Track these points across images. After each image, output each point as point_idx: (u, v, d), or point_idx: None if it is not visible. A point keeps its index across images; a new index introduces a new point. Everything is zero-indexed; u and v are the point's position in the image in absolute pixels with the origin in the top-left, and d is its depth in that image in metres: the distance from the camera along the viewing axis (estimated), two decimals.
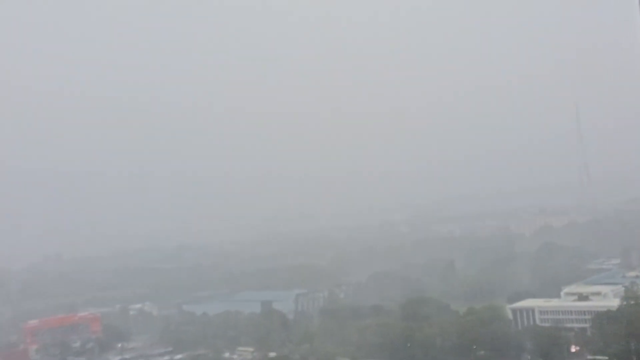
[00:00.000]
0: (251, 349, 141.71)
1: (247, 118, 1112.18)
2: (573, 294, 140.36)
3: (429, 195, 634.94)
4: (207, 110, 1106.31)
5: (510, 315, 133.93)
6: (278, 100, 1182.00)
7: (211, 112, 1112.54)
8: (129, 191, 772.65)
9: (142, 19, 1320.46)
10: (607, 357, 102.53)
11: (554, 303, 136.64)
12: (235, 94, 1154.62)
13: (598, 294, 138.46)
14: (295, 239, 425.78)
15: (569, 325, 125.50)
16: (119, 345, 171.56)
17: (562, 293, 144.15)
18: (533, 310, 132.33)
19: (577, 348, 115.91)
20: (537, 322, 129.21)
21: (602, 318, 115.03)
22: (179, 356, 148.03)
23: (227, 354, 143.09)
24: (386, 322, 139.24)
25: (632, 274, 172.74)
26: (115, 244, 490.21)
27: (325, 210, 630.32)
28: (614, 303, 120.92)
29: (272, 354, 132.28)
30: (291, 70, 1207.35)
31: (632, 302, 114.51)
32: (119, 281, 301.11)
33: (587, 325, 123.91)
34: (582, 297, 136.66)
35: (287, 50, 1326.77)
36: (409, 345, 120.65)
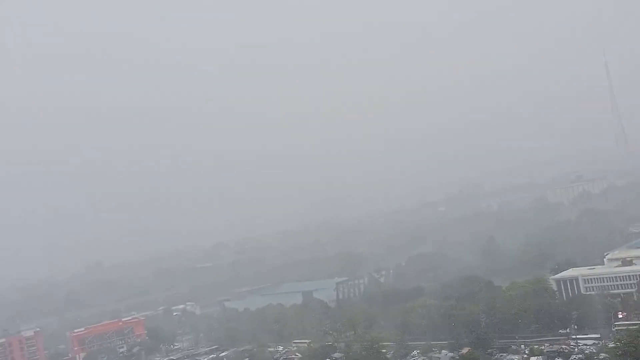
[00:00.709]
0: (307, 341, 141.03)
1: (275, 107, 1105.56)
2: (616, 260, 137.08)
3: (465, 173, 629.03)
4: (232, 102, 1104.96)
5: (554, 287, 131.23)
6: (307, 86, 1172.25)
7: (237, 103, 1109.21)
8: (163, 192, 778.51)
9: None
10: None
11: (597, 270, 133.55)
12: (262, 83, 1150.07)
13: None
14: (333, 228, 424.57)
15: (614, 291, 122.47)
16: (164, 347, 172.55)
17: (605, 259, 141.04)
18: (577, 280, 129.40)
19: (624, 314, 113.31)
20: (582, 291, 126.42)
21: None
22: (224, 353, 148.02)
23: (280, 348, 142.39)
24: (429, 304, 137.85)
25: None
26: (154, 247, 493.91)
27: (362, 196, 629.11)
28: None
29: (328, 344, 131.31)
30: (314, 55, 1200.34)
31: None
32: (160, 284, 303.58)
33: (633, 290, 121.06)
34: (626, 262, 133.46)
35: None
36: (453, 324, 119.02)
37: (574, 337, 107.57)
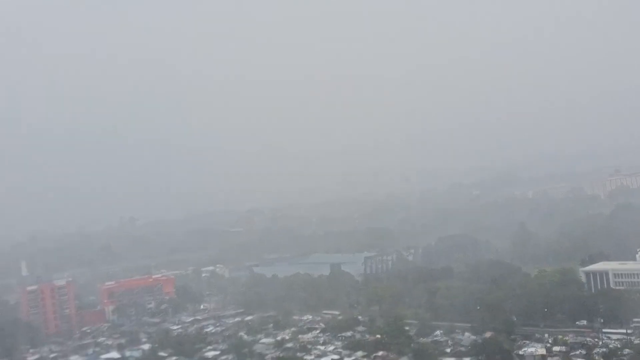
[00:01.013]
0: (336, 312, 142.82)
1: (313, 86, 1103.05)
2: None
3: (501, 158, 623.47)
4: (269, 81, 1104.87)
5: (583, 279, 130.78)
6: (339, 67, 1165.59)
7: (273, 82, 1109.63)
8: (200, 155, 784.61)
9: None
10: None
11: (629, 266, 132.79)
12: (293, 65, 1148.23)
13: None
14: (365, 202, 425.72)
15: None
16: (192, 306, 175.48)
17: (637, 255, 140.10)
18: (607, 273, 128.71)
19: None
20: (612, 285, 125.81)
21: None
22: (249, 317, 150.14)
23: (305, 317, 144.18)
24: (455, 285, 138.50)
25: None
26: (188, 207, 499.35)
27: (395, 173, 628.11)
28: None
29: (360, 317, 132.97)
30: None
31: None
32: (191, 244, 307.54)
33: None
34: None
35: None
36: (478, 307, 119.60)
37: (599, 330, 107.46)
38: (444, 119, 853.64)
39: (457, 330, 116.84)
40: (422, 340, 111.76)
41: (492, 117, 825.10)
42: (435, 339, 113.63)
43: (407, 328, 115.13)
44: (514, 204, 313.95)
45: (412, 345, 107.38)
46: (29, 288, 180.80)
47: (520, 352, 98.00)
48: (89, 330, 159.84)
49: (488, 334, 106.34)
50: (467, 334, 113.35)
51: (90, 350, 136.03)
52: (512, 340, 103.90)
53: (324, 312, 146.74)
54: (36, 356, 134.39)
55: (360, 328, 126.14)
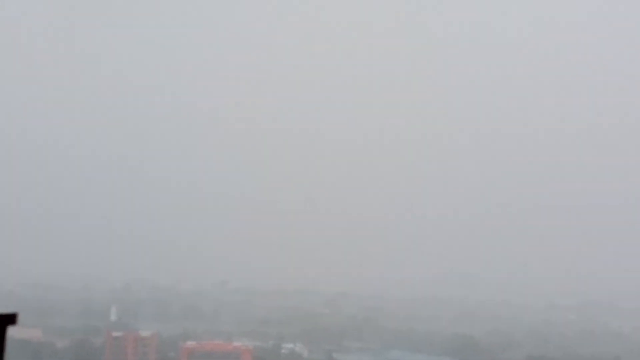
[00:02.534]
0: None
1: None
2: None
3: (605, 284, 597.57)
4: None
5: None
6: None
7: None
8: (297, 229, 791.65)
9: None
10: None
11: None
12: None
13: None
14: (454, 306, 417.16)
15: None
16: None
17: None
18: None
19: None
20: None
21: None
22: None
23: None
24: None
25: None
26: (279, 280, 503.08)
27: (490, 281, 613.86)
28: None
29: None
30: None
31: None
32: (276, 318, 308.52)
33: None
34: None
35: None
36: None
37: None
38: (546, 228, 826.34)
39: None
40: None
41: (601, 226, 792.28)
42: None
43: None
44: (612, 336, 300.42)
45: None
46: (115, 334, 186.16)
47: None
48: None
49: None
50: None
51: None
52: None
53: None
54: None
55: None
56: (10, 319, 4.25)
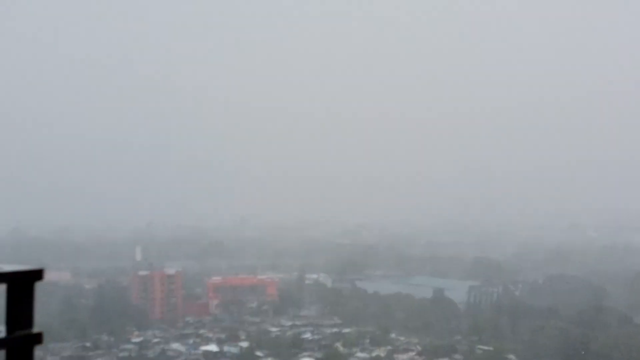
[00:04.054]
0: (435, 336, 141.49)
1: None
2: None
3: (627, 202, 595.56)
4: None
5: None
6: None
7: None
8: (314, 162, 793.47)
9: None
10: None
11: None
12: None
13: None
14: (476, 230, 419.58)
15: None
16: (292, 311, 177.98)
17: None
18: None
19: None
20: None
21: None
22: (347, 330, 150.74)
23: (406, 337, 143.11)
24: (561, 326, 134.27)
25: None
26: (301, 214, 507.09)
27: (511, 205, 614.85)
28: None
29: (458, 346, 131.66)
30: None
31: None
32: (298, 250, 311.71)
33: None
34: None
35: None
36: (583, 352, 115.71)
37: None
38: (564, 153, 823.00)
39: None
40: None
41: (620, 152, 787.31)
42: None
43: None
44: (635, 252, 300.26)
45: None
46: (141, 273, 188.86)
47: None
48: (191, 321, 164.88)
49: None
50: None
51: (190, 340, 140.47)
52: None
53: (422, 335, 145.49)
54: (140, 339, 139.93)
55: (457, 356, 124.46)
56: (37, 274, 4.24)
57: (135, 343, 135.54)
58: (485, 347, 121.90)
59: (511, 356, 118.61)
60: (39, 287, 4.10)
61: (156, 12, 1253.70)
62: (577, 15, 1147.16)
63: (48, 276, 4.38)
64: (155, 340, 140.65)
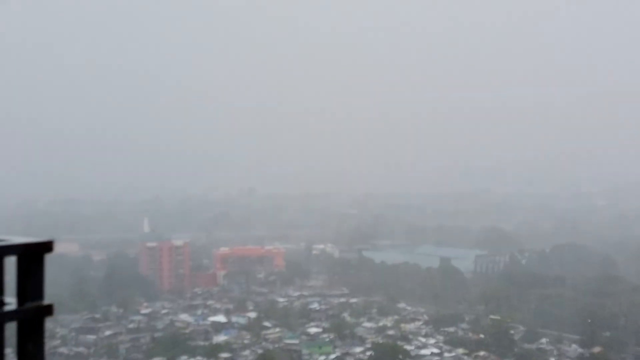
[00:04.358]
0: (442, 306, 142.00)
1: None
2: None
3: (635, 170, 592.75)
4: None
5: None
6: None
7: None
8: (320, 133, 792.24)
9: None
10: None
11: None
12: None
13: None
14: (483, 199, 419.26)
15: None
16: (299, 281, 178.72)
17: None
18: None
19: None
20: None
21: None
22: (354, 300, 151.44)
23: (413, 307, 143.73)
24: (568, 295, 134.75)
25: None
26: (306, 184, 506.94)
27: (516, 172, 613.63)
28: None
29: (465, 315, 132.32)
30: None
31: None
32: (305, 221, 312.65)
33: None
34: None
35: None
36: (589, 321, 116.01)
37: None
38: (569, 117, 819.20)
39: (564, 341, 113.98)
40: (526, 346, 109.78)
41: (625, 115, 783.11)
42: (540, 346, 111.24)
43: (512, 332, 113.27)
44: None
45: (515, 349, 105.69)
46: (149, 244, 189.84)
47: None
48: (200, 292, 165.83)
49: (597, 349, 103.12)
50: (574, 346, 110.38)
51: (199, 311, 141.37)
52: (621, 359, 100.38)
53: (429, 304, 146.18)
54: (149, 310, 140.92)
55: (464, 325, 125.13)
56: (47, 246, 4.26)
57: (144, 314, 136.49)
58: (492, 316, 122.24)
59: (518, 325, 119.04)
60: (48, 259, 4.14)
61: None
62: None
63: (57, 248, 4.39)
64: (164, 311, 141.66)
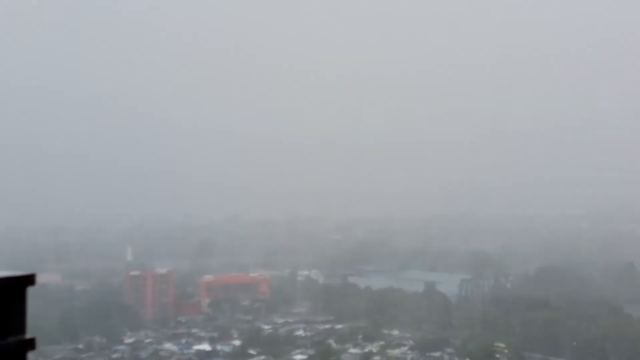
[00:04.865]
0: (427, 331, 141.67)
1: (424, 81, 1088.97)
2: None
3: (619, 193, 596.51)
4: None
5: None
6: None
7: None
8: (304, 160, 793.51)
9: None
10: None
11: None
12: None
13: None
14: (466, 222, 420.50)
15: None
16: (284, 308, 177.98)
17: None
18: None
19: None
20: None
21: None
22: (339, 326, 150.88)
23: (399, 332, 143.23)
24: (552, 318, 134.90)
25: None
26: (291, 210, 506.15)
27: (499, 195, 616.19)
28: None
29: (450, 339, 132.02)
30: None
31: None
32: (290, 247, 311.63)
33: None
34: None
35: None
36: (574, 344, 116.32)
37: None
38: (554, 140, 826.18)
39: None
40: None
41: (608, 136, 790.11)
42: None
43: (497, 356, 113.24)
44: (625, 242, 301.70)
45: None
46: (132, 273, 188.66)
47: None
48: (184, 320, 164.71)
49: None
50: None
51: (183, 340, 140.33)
52: None
53: (415, 329, 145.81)
54: (133, 339, 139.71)
55: (450, 350, 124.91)
56: (29, 279, 4.24)
57: (127, 344, 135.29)
58: (478, 340, 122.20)
59: (504, 349, 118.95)
60: (29, 289, 4.10)
61: None
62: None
63: (39, 278, 4.39)
64: (148, 340, 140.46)
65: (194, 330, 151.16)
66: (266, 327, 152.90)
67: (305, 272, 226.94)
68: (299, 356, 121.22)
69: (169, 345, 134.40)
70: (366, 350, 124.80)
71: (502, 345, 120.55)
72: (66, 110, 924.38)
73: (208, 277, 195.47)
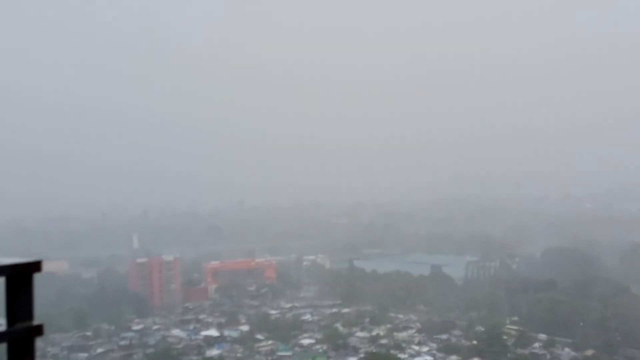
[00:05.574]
0: (434, 313, 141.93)
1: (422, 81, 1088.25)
2: None
3: (622, 171, 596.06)
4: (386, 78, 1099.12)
5: None
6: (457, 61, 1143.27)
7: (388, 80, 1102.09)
8: (309, 144, 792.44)
9: None
10: None
11: None
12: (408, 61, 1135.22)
13: None
14: (471, 205, 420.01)
15: None
16: (291, 293, 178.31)
17: None
18: None
19: None
20: None
21: None
22: (346, 310, 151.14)
23: (405, 315, 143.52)
24: (558, 299, 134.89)
25: None
26: (295, 196, 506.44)
27: (505, 177, 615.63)
28: None
29: (457, 321, 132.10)
30: None
31: None
32: (296, 232, 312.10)
33: None
34: None
35: None
36: (581, 324, 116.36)
37: None
38: (556, 119, 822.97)
39: (557, 345, 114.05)
40: (519, 351, 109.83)
41: (611, 117, 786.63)
42: (533, 351, 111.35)
43: (504, 337, 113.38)
44: (631, 221, 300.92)
45: (508, 354, 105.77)
46: (139, 260, 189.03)
47: None
48: (191, 307, 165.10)
49: (589, 352, 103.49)
50: (567, 349, 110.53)
51: (191, 326, 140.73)
52: None
53: (421, 312, 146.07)
54: (141, 326, 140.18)
55: (457, 332, 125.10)
56: (36, 266, 4.25)
57: (135, 330, 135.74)
58: (484, 322, 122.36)
59: (511, 329, 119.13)
60: (37, 278, 4.15)
61: None
62: None
63: (45, 267, 4.40)
64: (156, 327, 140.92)
65: (202, 316, 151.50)
66: (273, 312, 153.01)
67: (312, 257, 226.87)
68: (307, 340, 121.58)
69: (176, 332, 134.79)
70: (373, 333, 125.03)
71: (509, 326, 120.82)
72: (73, 103, 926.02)
73: (214, 264, 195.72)
